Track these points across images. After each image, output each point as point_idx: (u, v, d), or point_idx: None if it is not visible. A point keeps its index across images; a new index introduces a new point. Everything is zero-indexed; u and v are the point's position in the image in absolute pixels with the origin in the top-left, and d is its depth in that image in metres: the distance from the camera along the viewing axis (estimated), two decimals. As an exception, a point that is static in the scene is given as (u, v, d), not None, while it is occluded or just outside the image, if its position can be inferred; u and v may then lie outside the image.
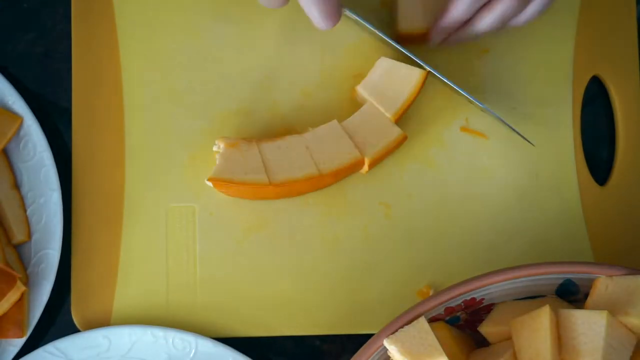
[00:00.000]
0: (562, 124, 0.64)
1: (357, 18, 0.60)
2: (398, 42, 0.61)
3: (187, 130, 0.63)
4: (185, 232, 0.63)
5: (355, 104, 0.64)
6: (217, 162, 0.60)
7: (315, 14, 0.55)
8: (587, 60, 0.65)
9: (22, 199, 0.62)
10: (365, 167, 0.62)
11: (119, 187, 0.63)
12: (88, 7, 0.64)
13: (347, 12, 0.60)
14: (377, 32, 0.61)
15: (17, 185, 0.62)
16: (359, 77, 0.64)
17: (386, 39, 0.61)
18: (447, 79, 0.61)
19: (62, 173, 0.62)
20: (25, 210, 0.62)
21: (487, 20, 0.58)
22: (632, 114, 0.65)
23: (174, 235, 0.62)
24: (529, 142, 0.62)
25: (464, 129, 0.64)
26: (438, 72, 0.61)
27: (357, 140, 0.61)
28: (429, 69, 0.61)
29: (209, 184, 0.60)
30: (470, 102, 0.62)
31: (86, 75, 0.64)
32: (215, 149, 0.61)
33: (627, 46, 0.66)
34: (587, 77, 0.65)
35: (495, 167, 0.64)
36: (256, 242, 0.63)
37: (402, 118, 0.63)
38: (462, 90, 0.61)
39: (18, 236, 0.61)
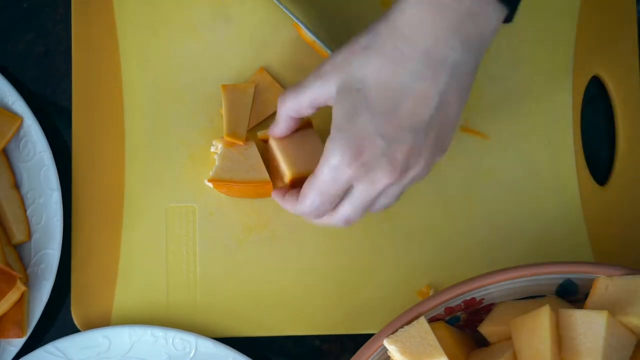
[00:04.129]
0: (562, 124, 0.64)
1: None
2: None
3: (187, 130, 0.63)
4: (185, 232, 0.63)
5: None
6: (217, 162, 0.60)
7: None
8: (587, 60, 0.65)
9: (22, 199, 0.62)
10: None
11: (119, 187, 0.63)
12: (88, 7, 0.64)
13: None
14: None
15: (17, 185, 0.62)
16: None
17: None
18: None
19: (62, 173, 0.62)
20: (25, 210, 0.61)
21: (329, 220, 0.55)
22: (632, 114, 0.65)
23: (173, 235, 0.62)
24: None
25: (464, 129, 0.64)
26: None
27: None
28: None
29: (209, 184, 0.60)
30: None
31: (86, 75, 0.64)
32: (212, 149, 0.61)
33: (627, 46, 0.65)
34: (587, 77, 0.65)
35: (495, 167, 0.64)
36: (256, 242, 0.63)
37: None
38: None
39: (18, 236, 0.61)
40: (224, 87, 0.62)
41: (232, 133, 0.61)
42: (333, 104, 0.52)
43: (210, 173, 0.59)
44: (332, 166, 0.51)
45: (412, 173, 0.52)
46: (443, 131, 0.51)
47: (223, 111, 0.61)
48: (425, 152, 0.51)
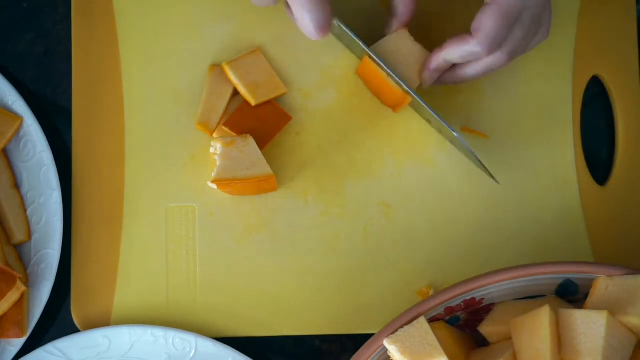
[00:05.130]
0: (562, 124, 0.64)
1: (346, 30, 0.59)
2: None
3: (187, 130, 0.63)
4: (185, 232, 0.63)
5: (355, 106, 0.64)
6: (218, 162, 0.60)
7: (307, 23, 0.54)
8: (587, 60, 0.65)
9: (22, 199, 0.62)
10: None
11: (119, 187, 0.63)
12: (88, 7, 0.64)
13: (336, 23, 0.59)
14: (363, 46, 0.60)
15: (17, 185, 0.62)
16: (360, 77, 0.64)
17: (371, 54, 0.59)
18: (432, 109, 0.60)
19: (62, 173, 0.62)
20: (25, 210, 0.62)
21: (473, 70, 0.58)
22: (632, 114, 0.65)
23: (173, 235, 0.63)
24: (494, 179, 0.61)
25: (464, 128, 0.64)
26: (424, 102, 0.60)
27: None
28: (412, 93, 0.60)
29: (213, 186, 0.60)
30: (442, 130, 0.62)
31: (86, 75, 0.64)
32: (212, 150, 0.61)
33: (627, 46, 0.66)
34: (587, 77, 0.65)
35: (495, 167, 0.64)
36: (256, 242, 0.63)
37: (403, 117, 0.63)
38: (440, 118, 0.60)
39: (18, 236, 0.61)
40: (211, 67, 0.63)
41: (204, 123, 0.62)
42: None
43: (213, 174, 0.59)
44: None
45: None
46: None
47: (203, 95, 0.62)
48: None
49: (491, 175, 0.60)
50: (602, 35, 0.65)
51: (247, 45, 0.64)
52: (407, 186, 0.63)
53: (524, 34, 0.55)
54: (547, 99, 0.64)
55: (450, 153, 0.64)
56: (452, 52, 0.57)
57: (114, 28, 0.64)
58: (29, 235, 0.61)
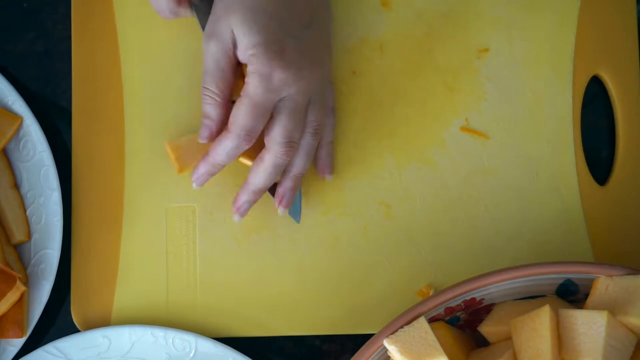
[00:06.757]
0: (562, 124, 0.64)
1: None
2: None
3: (187, 130, 0.63)
4: (185, 232, 0.63)
5: (355, 106, 0.64)
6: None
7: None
8: (587, 60, 0.65)
9: (22, 198, 0.62)
10: None
11: (119, 187, 0.63)
12: (88, 7, 0.64)
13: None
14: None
15: (17, 185, 0.62)
16: (359, 76, 0.64)
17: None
18: None
19: (62, 173, 0.62)
20: (25, 210, 0.62)
21: (259, 175, 0.58)
22: (632, 114, 0.65)
23: (173, 235, 0.62)
24: None
25: (464, 129, 0.64)
26: None
27: None
28: None
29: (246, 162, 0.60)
30: None
31: (86, 75, 0.64)
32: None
33: (627, 46, 0.65)
34: (587, 77, 0.65)
35: (495, 167, 0.64)
36: (256, 242, 0.63)
37: (403, 117, 0.63)
38: None
39: (18, 236, 0.61)
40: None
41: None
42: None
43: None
44: (262, 75, 0.54)
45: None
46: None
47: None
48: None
49: None
50: (602, 35, 0.65)
51: (247, 45, 0.64)
52: (407, 186, 0.63)
53: (294, 123, 0.56)
54: (547, 99, 0.64)
55: (450, 153, 0.64)
56: (216, 154, 0.57)
57: (114, 28, 0.64)
58: (29, 235, 0.61)
